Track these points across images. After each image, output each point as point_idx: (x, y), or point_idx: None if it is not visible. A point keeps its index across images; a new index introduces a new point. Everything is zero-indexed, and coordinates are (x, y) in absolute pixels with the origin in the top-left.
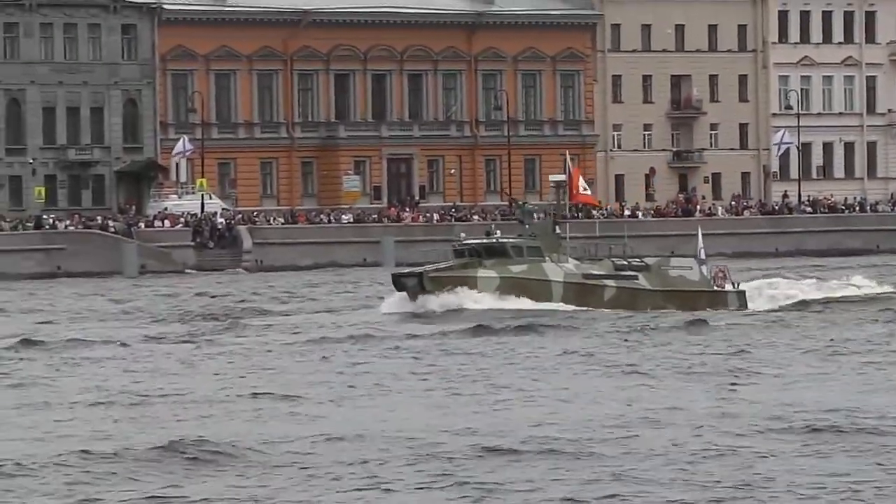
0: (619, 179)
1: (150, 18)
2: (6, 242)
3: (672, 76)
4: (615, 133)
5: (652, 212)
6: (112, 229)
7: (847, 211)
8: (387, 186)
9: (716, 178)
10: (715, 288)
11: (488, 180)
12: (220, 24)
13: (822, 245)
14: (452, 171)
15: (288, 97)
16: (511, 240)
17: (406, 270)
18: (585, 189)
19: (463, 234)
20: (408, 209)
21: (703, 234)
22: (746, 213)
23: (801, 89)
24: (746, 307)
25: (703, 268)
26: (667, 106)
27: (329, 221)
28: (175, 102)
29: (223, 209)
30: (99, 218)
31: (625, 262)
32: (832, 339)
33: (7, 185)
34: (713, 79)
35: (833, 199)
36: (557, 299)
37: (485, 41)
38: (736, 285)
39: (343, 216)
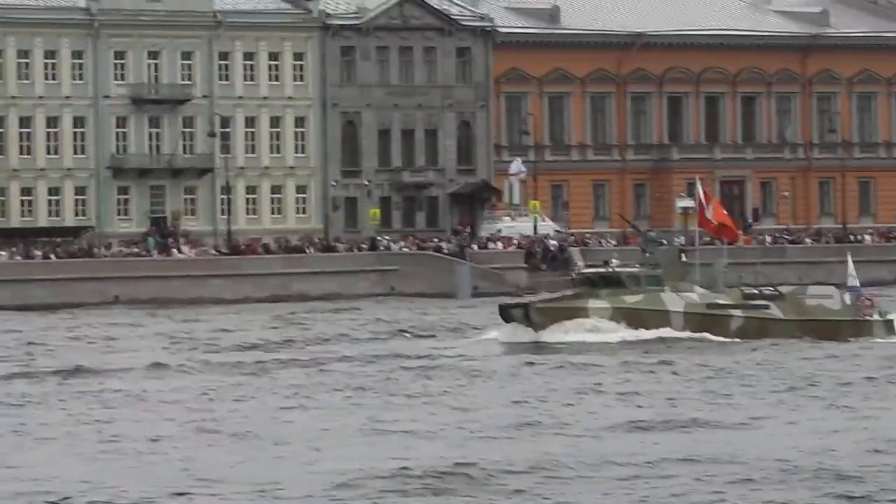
0: None
1: (485, 41)
2: (342, 263)
3: None
4: None
5: None
6: (445, 251)
7: None
8: None
9: None
10: (859, 317)
11: (822, 203)
12: (554, 46)
13: None
14: (786, 193)
15: (621, 119)
16: (627, 269)
17: (514, 301)
18: (713, 215)
19: (580, 264)
20: (741, 232)
21: None
22: None
23: None
24: (894, 336)
25: (846, 296)
26: None
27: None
28: (508, 125)
29: (556, 231)
30: (435, 239)
31: (755, 291)
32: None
33: (343, 207)
34: None
35: None
36: (677, 330)
37: (819, 63)
38: (884, 314)
39: (675, 239)
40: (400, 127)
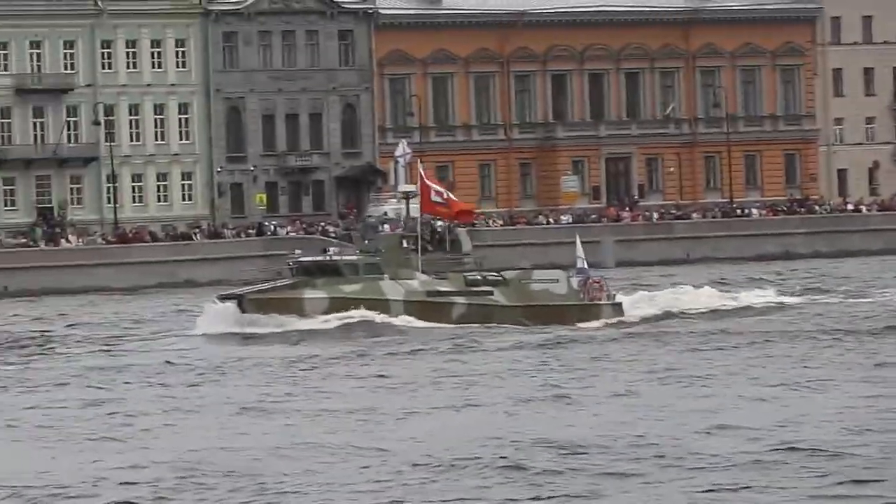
0: (841, 174)
1: (367, 23)
2: (229, 249)
3: (895, 68)
4: (837, 127)
5: (876, 206)
6: (332, 234)
7: None
8: (605, 186)
9: None
10: (586, 301)
11: (708, 178)
12: (436, 27)
13: None
14: (671, 169)
15: (505, 98)
16: (345, 257)
17: (229, 292)
18: (444, 197)
19: (298, 251)
20: (627, 209)
21: None
22: None
23: None
24: (623, 318)
25: (575, 279)
26: (889, 98)
27: (548, 222)
28: (393, 107)
29: None
30: (322, 223)
31: (479, 277)
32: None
33: (228, 193)
34: None
35: None
36: (397, 318)
37: (702, 37)
38: (612, 297)
39: (562, 217)
40: (284, 111)
